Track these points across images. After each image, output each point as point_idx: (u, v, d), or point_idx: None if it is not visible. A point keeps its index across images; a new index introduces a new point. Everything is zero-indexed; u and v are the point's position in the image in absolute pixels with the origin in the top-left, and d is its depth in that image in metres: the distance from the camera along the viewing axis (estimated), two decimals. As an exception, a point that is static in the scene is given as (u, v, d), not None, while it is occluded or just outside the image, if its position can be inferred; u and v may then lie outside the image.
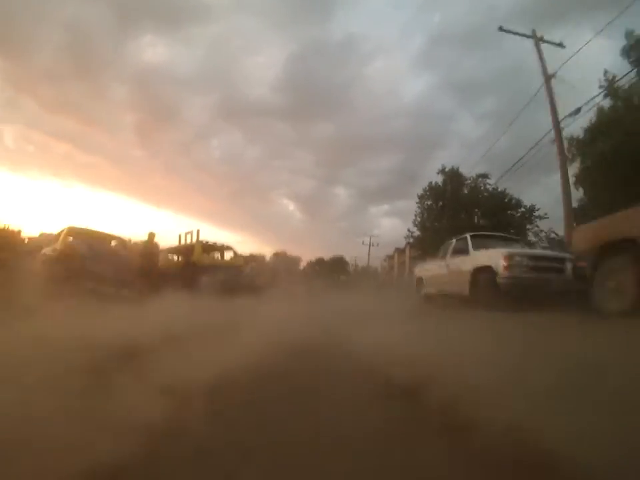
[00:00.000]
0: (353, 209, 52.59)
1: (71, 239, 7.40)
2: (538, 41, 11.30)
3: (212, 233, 44.26)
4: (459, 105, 45.34)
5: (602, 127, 12.22)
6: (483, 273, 6.46)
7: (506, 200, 19.67)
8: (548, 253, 7.21)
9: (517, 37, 11.65)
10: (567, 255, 6.10)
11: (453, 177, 20.01)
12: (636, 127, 10.84)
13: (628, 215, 4.77)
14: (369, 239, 34.29)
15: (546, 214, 18.81)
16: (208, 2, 46.58)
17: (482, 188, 20.42)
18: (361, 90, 53.30)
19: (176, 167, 47.57)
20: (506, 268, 6.03)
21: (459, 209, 19.23)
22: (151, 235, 8.23)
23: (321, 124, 54.67)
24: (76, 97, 42.37)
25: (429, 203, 20.22)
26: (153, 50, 46.17)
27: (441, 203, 19.56)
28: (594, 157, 12.46)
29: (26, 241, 14.33)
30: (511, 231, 17.42)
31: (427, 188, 20.43)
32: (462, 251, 7.52)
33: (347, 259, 26.06)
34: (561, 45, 11.37)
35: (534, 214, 19.31)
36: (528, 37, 11.36)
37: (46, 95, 36.29)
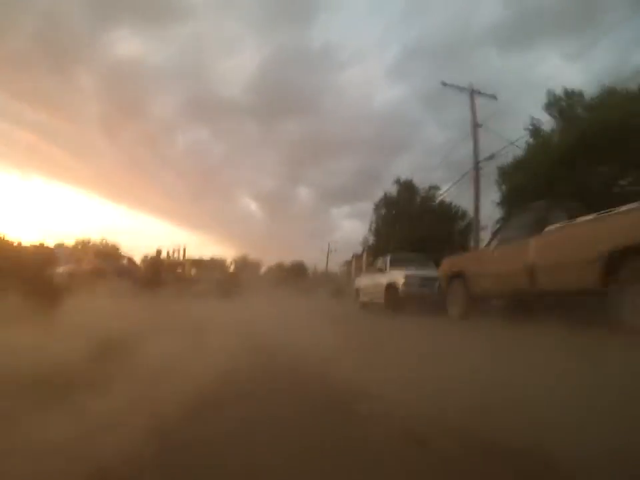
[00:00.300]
0: (315, 210, 55.06)
1: (97, 259, 9.76)
2: (472, 94, 14.10)
3: (171, 233, 45.83)
4: (426, 113, 48.26)
5: (520, 163, 15.24)
6: (391, 287, 9.14)
7: (452, 211, 22.78)
8: (433, 273, 9.07)
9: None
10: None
11: (406, 188, 22.82)
12: (540, 167, 13.70)
13: (463, 257, 7.68)
14: (327, 246, 37.85)
15: (486, 225, 22.05)
16: (187, 1, 47.14)
17: (432, 199, 23.41)
18: (332, 94, 55.42)
19: (139, 163, 47.22)
20: (403, 285, 8.82)
21: (411, 218, 22.09)
22: (158, 251, 10.70)
23: (289, 125, 56.25)
24: (43, 86, 41.41)
25: (384, 212, 23.02)
26: (127, 44, 45.79)
27: (394, 212, 22.34)
28: (511, 185, 15.55)
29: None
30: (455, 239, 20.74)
31: (383, 198, 23.26)
32: (383, 268, 10.24)
33: (307, 262, 28.88)
34: (494, 97, 14.27)
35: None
36: (464, 89, 14.06)
37: (11, 82, 35.71)
